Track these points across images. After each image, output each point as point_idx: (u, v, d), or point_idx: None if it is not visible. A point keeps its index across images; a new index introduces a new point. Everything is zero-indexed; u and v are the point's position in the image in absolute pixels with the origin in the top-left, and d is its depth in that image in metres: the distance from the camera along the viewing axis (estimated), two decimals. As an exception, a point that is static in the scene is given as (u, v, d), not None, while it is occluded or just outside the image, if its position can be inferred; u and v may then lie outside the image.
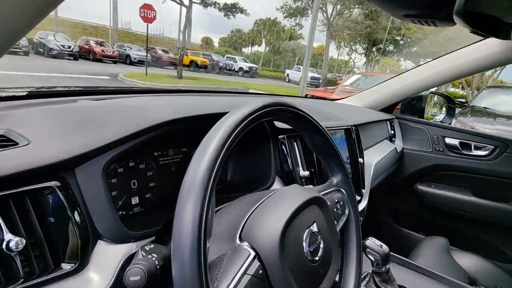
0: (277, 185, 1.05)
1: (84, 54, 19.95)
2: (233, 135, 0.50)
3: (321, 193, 0.75)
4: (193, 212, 0.41)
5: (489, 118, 5.92)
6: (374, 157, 1.61)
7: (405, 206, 2.26)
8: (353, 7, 23.94)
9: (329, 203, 0.73)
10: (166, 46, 28.35)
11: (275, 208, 0.60)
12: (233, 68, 24.36)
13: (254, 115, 0.54)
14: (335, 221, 0.75)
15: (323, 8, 21.99)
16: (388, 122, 2.08)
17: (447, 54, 1.92)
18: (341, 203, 0.80)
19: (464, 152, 1.98)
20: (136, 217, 0.83)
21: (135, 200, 0.84)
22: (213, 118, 0.57)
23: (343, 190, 0.81)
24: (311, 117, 0.70)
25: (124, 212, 0.82)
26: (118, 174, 0.80)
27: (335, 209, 0.77)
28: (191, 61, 22.15)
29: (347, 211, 0.82)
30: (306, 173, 1.13)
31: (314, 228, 0.62)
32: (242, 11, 28.78)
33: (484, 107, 6.82)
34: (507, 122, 5.88)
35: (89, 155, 0.58)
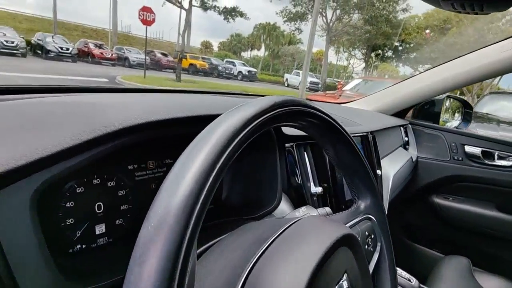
0: (284, 205, 0.86)
1: (83, 56, 19.82)
2: (232, 145, 0.32)
3: (348, 224, 0.56)
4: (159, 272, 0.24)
5: (492, 124, 5.81)
6: (391, 167, 1.42)
7: (420, 221, 2.06)
8: (352, 13, 23.94)
9: (359, 239, 0.53)
10: (165, 50, 28.24)
11: (291, 255, 0.40)
12: (232, 72, 24.22)
13: (263, 118, 0.35)
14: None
15: (323, 13, 21.96)
16: (401, 128, 1.89)
17: (466, 54, 1.74)
18: (372, 236, 0.61)
19: (486, 162, 1.79)
20: (102, 251, 0.64)
21: (100, 229, 0.64)
22: (205, 121, 0.38)
23: (373, 218, 0.62)
24: (337, 123, 0.50)
25: (83, 246, 0.62)
26: (77, 195, 0.60)
27: (366, 246, 0.58)
28: (190, 65, 22.02)
29: (379, 246, 0.62)
30: (319, 189, 0.93)
31: (345, 284, 0.43)
32: (241, 14, 28.72)
33: (486, 113, 6.73)
34: (510, 128, 5.79)
35: (6, 177, 0.38)
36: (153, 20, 14.28)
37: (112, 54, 20.37)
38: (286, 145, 0.92)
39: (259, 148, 0.83)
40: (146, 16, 13.97)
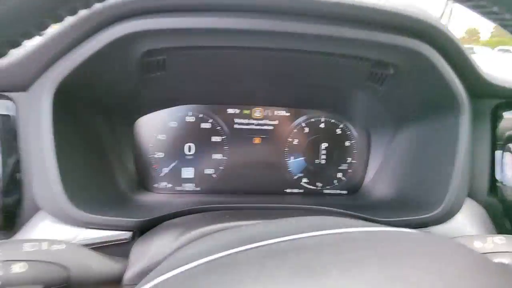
0: (465, 215, 0.45)
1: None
2: None
3: None
4: None
5: None
6: None
7: None
8: None
9: None
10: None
11: None
12: (506, 63, 18.40)
13: None
14: None
15: None
16: None
17: None
18: None
19: None
20: (187, 196, 0.58)
21: (187, 173, 0.58)
22: None
23: None
24: None
25: (169, 185, 0.58)
26: (169, 129, 0.57)
27: None
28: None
29: None
30: None
31: None
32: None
33: None
34: None
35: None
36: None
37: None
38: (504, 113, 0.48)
39: (435, 109, 0.47)
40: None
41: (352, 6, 0.35)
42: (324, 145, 0.62)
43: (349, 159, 0.62)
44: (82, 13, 0.34)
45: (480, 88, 0.45)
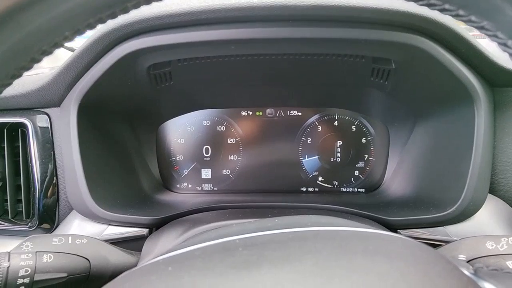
0: (488, 214, 0.43)
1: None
2: None
3: None
4: None
5: None
6: None
7: None
8: None
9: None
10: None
11: None
12: None
13: None
14: None
15: None
16: None
17: None
18: None
19: None
20: (206, 195, 0.61)
21: (206, 174, 0.62)
22: None
23: None
24: None
25: (190, 185, 0.62)
26: (187, 133, 0.61)
27: None
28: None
29: None
30: None
31: None
32: None
33: None
34: None
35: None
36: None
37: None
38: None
39: (448, 101, 0.45)
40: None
41: (338, 7, 0.35)
42: (339, 143, 0.61)
43: (366, 157, 0.61)
44: (93, 37, 0.39)
45: (498, 77, 0.42)
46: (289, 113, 0.62)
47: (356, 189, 0.62)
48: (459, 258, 0.35)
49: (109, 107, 0.49)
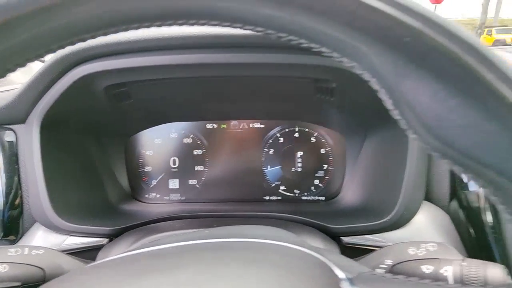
0: (425, 221, 0.46)
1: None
2: None
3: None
4: None
5: None
6: None
7: None
8: None
9: None
10: (468, 28, 23.81)
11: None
12: None
13: None
14: None
15: None
16: None
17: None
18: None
19: None
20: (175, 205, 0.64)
21: (173, 184, 0.64)
22: None
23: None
24: None
25: (158, 195, 0.65)
26: (155, 145, 0.64)
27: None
28: (496, 42, 17.18)
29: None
30: None
31: None
32: None
33: None
34: None
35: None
36: (445, -4, 12.38)
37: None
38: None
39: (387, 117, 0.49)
40: (437, -7, 12.37)
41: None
42: (299, 154, 0.65)
43: (325, 166, 0.64)
44: (52, 58, 0.42)
45: None
46: (252, 125, 0.65)
47: (316, 197, 0.65)
48: (385, 262, 0.38)
49: (72, 123, 0.51)
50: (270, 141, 0.65)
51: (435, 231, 0.47)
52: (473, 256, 0.35)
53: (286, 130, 0.64)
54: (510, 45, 16.98)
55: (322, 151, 0.64)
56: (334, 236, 0.47)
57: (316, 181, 0.65)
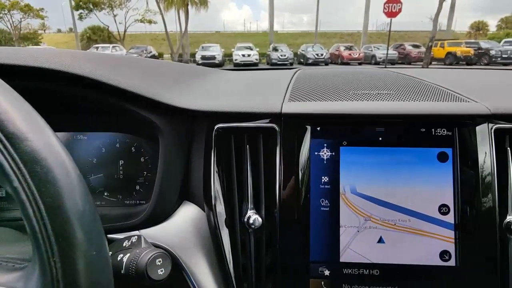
0: (182, 218, 0.55)
1: (334, 59, 21.87)
2: None
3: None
4: None
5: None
6: None
7: None
8: None
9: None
10: (421, 41, 25.51)
11: None
12: (513, 56, 17.88)
13: None
14: None
15: None
16: None
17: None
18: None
19: None
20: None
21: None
22: None
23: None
24: None
25: None
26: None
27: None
28: (448, 54, 18.51)
29: None
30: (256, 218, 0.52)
31: None
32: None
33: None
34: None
35: None
36: (399, 10, 13.20)
37: (359, 54, 21.03)
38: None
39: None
40: (391, 7, 13.16)
41: None
42: (121, 162, 0.72)
43: (145, 173, 0.72)
44: None
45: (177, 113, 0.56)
46: (79, 137, 0.72)
47: (137, 202, 0.73)
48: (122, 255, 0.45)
49: None
50: (94, 151, 0.72)
51: (189, 227, 0.56)
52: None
53: (108, 141, 0.72)
54: (460, 57, 18.35)
55: (142, 159, 0.72)
56: None
57: (137, 187, 0.72)
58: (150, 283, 0.40)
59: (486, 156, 0.51)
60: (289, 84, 0.65)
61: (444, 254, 0.51)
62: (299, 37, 40.60)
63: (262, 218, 0.54)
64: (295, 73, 0.77)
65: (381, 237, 0.51)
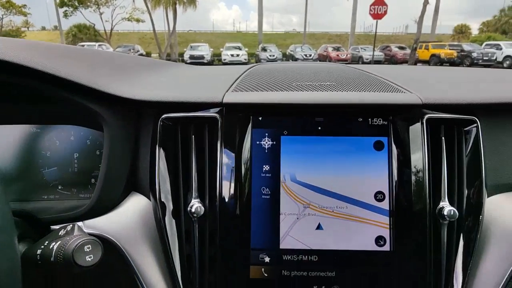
0: (129, 207, 0.56)
1: (322, 60, 22.08)
2: None
3: None
4: None
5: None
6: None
7: None
8: None
9: None
10: (407, 43, 26.03)
11: None
12: (494, 58, 18.44)
13: None
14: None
15: None
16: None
17: None
18: None
19: None
20: None
21: None
22: None
23: None
24: None
25: None
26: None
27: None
28: (432, 55, 18.95)
29: None
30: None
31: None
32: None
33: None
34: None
35: None
36: (385, 12, 13.44)
37: (347, 55, 21.31)
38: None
39: None
40: (377, 9, 13.38)
41: None
42: (76, 155, 0.72)
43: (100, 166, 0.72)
44: None
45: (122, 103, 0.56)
46: (33, 130, 0.71)
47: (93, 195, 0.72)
48: (46, 243, 0.45)
49: None
50: (47, 144, 0.71)
51: (136, 216, 0.56)
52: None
53: (63, 133, 0.71)
54: (444, 59, 18.79)
55: (97, 152, 0.72)
56: None
57: (93, 180, 0.72)
58: (78, 269, 0.40)
59: (419, 144, 0.53)
60: (238, 77, 0.66)
61: (379, 240, 0.52)
62: (288, 38, 40.79)
63: (205, 207, 0.54)
64: (249, 68, 0.79)
65: (319, 223, 0.53)
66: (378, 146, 0.54)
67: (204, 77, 0.79)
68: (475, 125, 0.55)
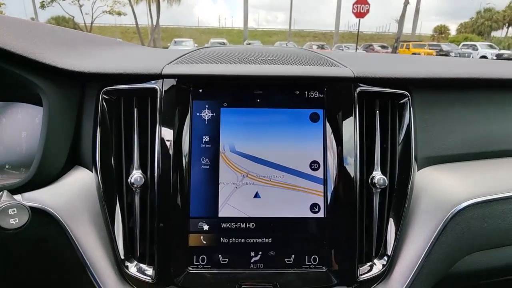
0: (73, 181, 0.55)
1: (307, 57, 22.26)
2: None
3: None
4: None
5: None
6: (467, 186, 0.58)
7: None
8: None
9: None
10: (390, 42, 26.61)
11: None
12: (470, 58, 19.13)
13: None
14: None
15: None
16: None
17: None
18: None
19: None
20: None
21: None
22: None
23: None
24: None
25: None
26: None
27: None
28: (412, 54, 19.49)
29: None
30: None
31: None
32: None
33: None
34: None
35: None
36: (367, 11, 13.68)
37: (330, 53, 21.60)
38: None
39: None
40: (360, 8, 13.60)
41: None
42: (24, 134, 0.70)
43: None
44: None
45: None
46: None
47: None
48: None
49: None
50: (-5, 121, 0.69)
51: (82, 190, 0.56)
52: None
53: (9, 111, 0.70)
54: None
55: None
56: None
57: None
58: (3, 232, 0.40)
59: (352, 117, 0.55)
60: (184, 54, 0.67)
61: (314, 207, 0.55)
62: (273, 35, 40.86)
63: (146, 178, 0.55)
64: (199, 48, 0.79)
65: (257, 192, 0.55)
66: (314, 118, 0.56)
67: (150, 53, 0.79)
68: (407, 99, 0.58)
